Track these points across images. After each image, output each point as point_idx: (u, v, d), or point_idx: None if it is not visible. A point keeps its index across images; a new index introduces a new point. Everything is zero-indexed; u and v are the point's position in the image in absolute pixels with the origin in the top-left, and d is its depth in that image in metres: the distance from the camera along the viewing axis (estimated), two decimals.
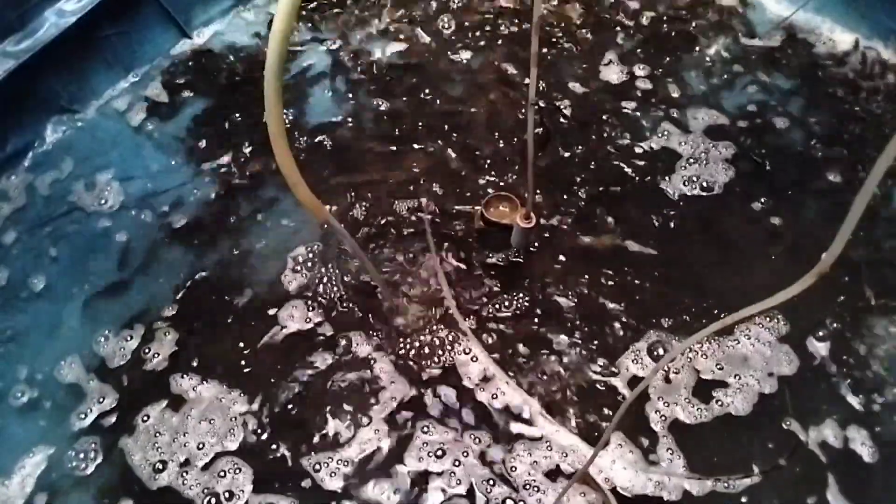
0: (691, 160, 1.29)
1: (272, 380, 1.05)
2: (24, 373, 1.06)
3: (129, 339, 1.09)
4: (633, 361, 1.04)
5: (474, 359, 1.05)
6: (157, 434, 0.99)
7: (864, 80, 1.41)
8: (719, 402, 1.00)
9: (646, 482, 0.93)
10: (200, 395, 1.03)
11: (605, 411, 1.00)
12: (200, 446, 0.98)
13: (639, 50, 1.49)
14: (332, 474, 0.96)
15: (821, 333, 1.07)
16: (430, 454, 0.97)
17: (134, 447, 0.99)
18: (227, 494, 0.94)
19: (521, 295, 1.12)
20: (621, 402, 1.00)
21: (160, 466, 0.97)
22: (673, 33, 1.53)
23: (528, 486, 0.93)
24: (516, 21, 1.56)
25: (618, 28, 1.54)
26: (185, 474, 0.96)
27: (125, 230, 1.23)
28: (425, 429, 0.99)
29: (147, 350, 1.08)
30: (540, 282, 1.14)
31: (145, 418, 1.01)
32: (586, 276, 1.14)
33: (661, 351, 1.05)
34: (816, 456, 0.96)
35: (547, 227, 1.20)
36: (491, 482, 0.94)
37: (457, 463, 0.96)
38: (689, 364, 1.04)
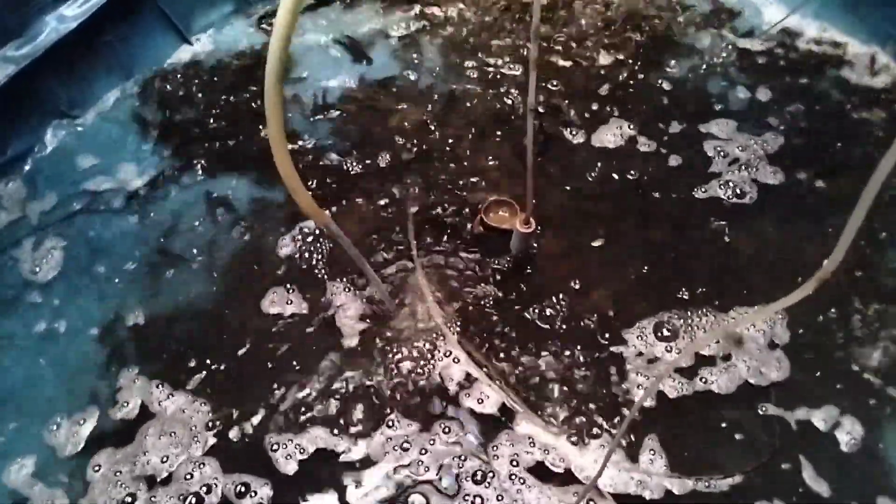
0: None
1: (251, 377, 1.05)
2: None
3: (82, 423, 1.01)
4: (634, 348, 1.04)
5: (456, 359, 1.05)
6: (118, 472, 0.96)
7: (863, 84, 1.42)
8: (703, 380, 1.02)
9: (628, 481, 0.93)
10: (165, 410, 1.01)
11: (598, 417, 1.00)
12: (164, 459, 0.97)
13: (633, 57, 1.50)
14: (289, 456, 0.96)
15: (814, 331, 1.07)
16: (397, 447, 0.97)
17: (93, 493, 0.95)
18: (204, 489, 0.94)
19: (520, 300, 1.12)
20: (613, 405, 1.00)
21: (129, 500, 0.94)
22: (666, 40, 1.54)
23: (512, 477, 0.94)
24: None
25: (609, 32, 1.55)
26: (153, 498, 0.94)
27: (124, 236, 1.23)
28: (391, 423, 0.99)
29: (115, 401, 1.03)
30: (540, 286, 1.13)
31: (97, 468, 0.97)
32: (586, 281, 1.14)
33: (663, 339, 1.05)
34: (796, 455, 0.96)
35: (547, 232, 1.20)
36: (462, 458, 0.95)
37: (423, 452, 0.96)
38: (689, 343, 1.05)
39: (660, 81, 1.44)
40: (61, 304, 1.15)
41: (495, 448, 0.97)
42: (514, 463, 0.95)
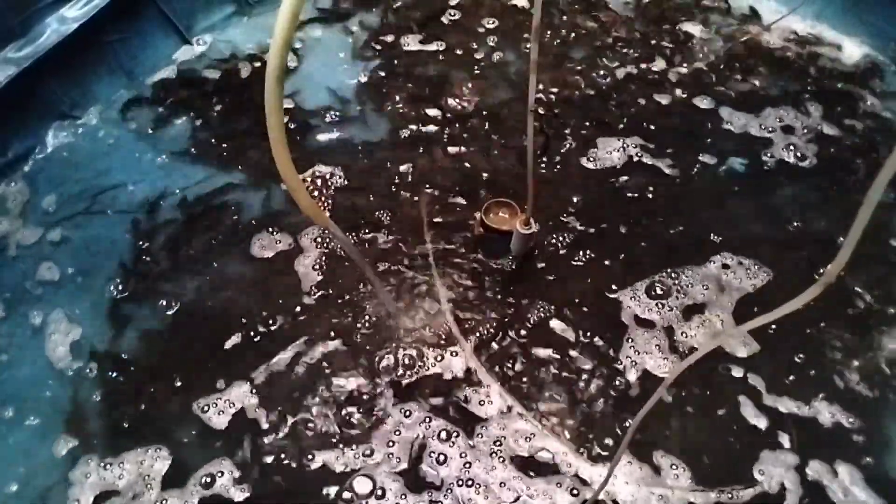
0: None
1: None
2: None
3: None
4: (642, 342, 1.04)
5: (456, 352, 1.05)
6: None
7: (864, 85, 1.41)
8: (684, 334, 1.05)
9: (648, 496, 0.92)
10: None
11: (603, 421, 1.00)
12: None
13: (630, 49, 1.50)
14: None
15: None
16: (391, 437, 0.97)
17: None
18: None
19: (520, 301, 1.12)
20: (621, 407, 1.00)
21: None
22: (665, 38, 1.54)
23: (493, 455, 0.93)
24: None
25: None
26: None
27: (124, 236, 1.23)
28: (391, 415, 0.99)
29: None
30: (540, 287, 1.13)
31: None
32: (587, 282, 1.14)
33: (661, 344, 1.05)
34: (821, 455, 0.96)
35: (546, 233, 1.19)
36: (428, 420, 0.96)
37: (393, 436, 0.96)
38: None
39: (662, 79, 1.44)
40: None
41: (483, 427, 0.95)
42: (498, 443, 0.95)
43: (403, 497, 0.92)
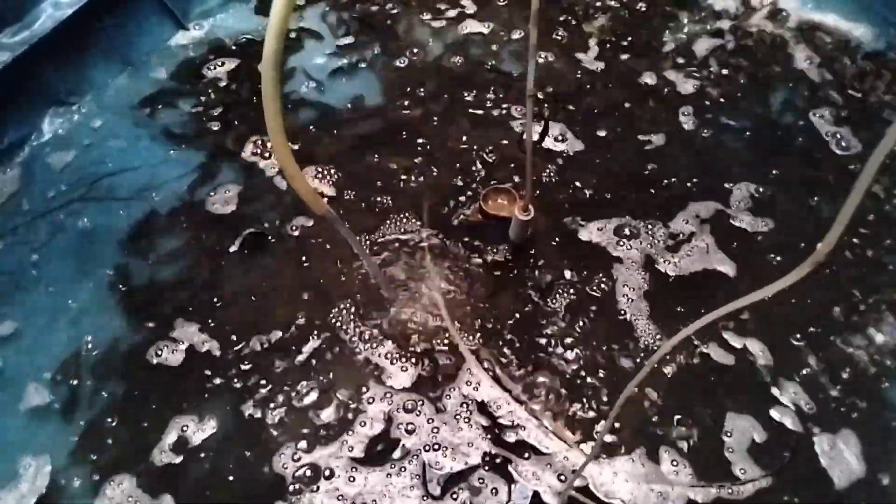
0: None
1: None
2: None
3: None
4: (641, 336, 1.05)
5: (453, 350, 1.06)
6: None
7: (863, 71, 1.41)
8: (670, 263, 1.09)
9: (648, 493, 0.92)
10: None
11: (595, 412, 1.01)
12: None
13: (620, 33, 1.49)
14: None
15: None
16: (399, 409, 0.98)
17: None
18: None
19: (519, 286, 1.12)
20: (609, 388, 1.01)
21: None
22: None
23: (458, 417, 0.94)
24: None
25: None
26: None
27: (121, 223, 1.23)
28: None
29: None
30: (538, 273, 1.14)
31: None
32: (585, 267, 1.14)
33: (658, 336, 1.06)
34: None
35: (545, 219, 1.20)
36: (390, 395, 0.96)
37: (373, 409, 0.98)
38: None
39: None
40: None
41: (450, 389, 0.97)
42: (465, 405, 0.97)
43: (355, 468, 0.94)
